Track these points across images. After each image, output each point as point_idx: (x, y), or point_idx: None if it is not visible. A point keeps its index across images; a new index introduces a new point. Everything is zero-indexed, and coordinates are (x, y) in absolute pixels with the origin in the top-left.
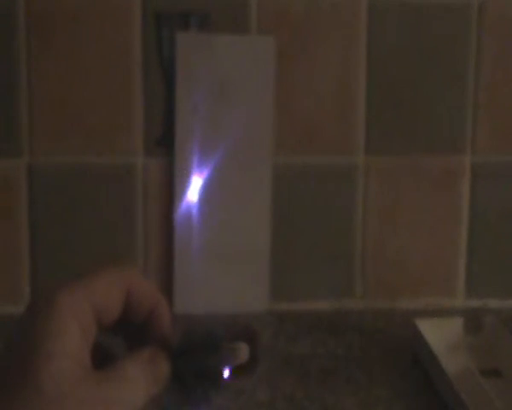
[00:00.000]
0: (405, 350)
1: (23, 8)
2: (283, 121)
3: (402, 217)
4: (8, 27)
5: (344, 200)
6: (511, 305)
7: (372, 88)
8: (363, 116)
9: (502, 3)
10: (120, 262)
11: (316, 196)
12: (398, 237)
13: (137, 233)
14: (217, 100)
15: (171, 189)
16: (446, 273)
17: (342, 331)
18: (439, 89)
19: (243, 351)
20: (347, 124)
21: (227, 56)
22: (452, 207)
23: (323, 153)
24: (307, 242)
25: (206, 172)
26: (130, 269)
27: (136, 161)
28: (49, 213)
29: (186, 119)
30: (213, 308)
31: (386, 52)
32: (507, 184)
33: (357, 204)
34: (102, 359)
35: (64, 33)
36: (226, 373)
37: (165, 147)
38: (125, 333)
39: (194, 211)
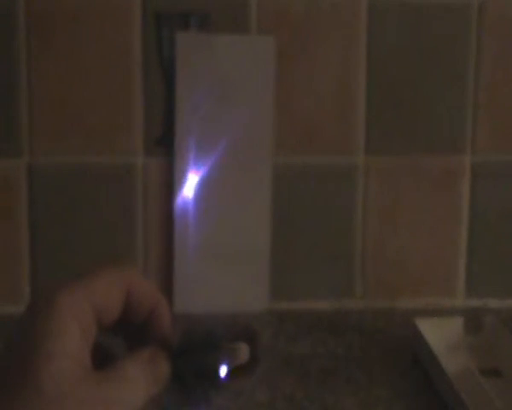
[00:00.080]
0: (405, 350)
1: (23, 8)
2: (283, 121)
3: (402, 217)
4: (8, 27)
5: (344, 200)
6: (511, 305)
7: (372, 88)
8: (363, 116)
9: (502, 3)
10: (120, 262)
11: (316, 196)
12: (398, 237)
13: (137, 233)
14: (217, 100)
15: (171, 189)
16: (446, 273)
17: (342, 331)
18: (439, 89)
19: (243, 351)
20: (347, 124)
21: (227, 56)
22: (452, 207)
23: (323, 153)
24: (307, 242)
25: (205, 172)
26: (130, 269)
27: (136, 160)
28: (49, 213)
29: (186, 119)
30: (213, 308)
31: (386, 52)
32: (507, 184)
33: (357, 204)
34: (102, 359)
35: (64, 33)
36: (226, 373)
37: (165, 147)
38: (125, 333)
39: (194, 211)
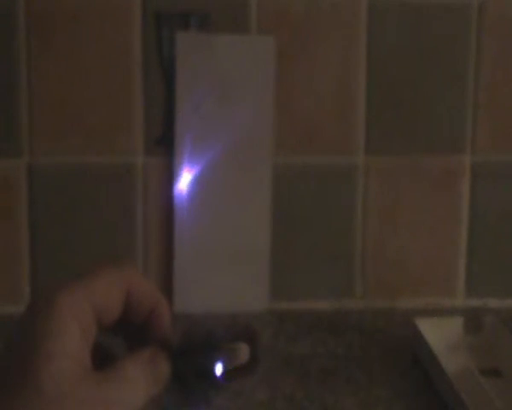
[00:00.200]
0: (405, 350)
1: (23, 8)
2: (283, 121)
3: (402, 217)
4: (8, 27)
5: (344, 200)
6: (511, 305)
7: (372, 88)
8: (363, 116)
9: (502, 3)
10: (120, 262)
11: (316, 196)
12: (398, 237)
13: (137, 233)
14: (217, 100)
15: (171, 189)
16: (446, 273)
17: (342, 331)
18: (439, 89)
19: (243, 351)
20: (347, 124)
21: (227, 56)
22: (452, 207)
23: (323, 153)
24: (307, 242)
25: (205, 172)
26: (130, 269)
27: (136, 160)
28: (49, 213)
29: (186, 119)
30: (213, 308)
31: (386, 52)
32: (507, 184)
33: (357, 204)
34: (102, 359)
35: (64, 33)
36: (226, 373)
37: (165, 147)
38: (125, 333)
39: (194, 211)
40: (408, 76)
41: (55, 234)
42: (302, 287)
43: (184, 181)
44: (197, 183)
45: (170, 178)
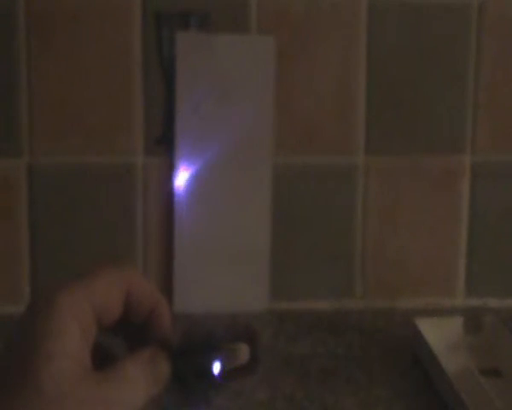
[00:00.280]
0: (405, 350)
1: (23, 8)
2: (283, 121)
3: (402, 217)
4: (8, 27)
5: (344, 200)
6: (511, 304)
7: (372, 88)
8: (363, 116)
9: (502, 3)
10: (120, 262)
11: (316, 196)
12: (398, 237)
13: (137, 233)
14: (217, 100)
15: (171, 188)
16: (446, 273)
17: (342, 331)
18: (439, 89)
19: (243, 351)
20: (347, 124)
21: (227, 56)
22: (452, 207)
23: (323, 153)
24: (307, 242)
25: (205, 172)
26: (130, 269)
27: (136, 160)
28: (49, 213)
29: (186, 119)
30: (213, 308)
31: (386, 52)
32: (507, 184)
33: (357, 204)
34: (102, 359)
35: (64, 33)
36: (226, 373)
37: (165, 147)
38: (125, 333)
39: (194, 211)
40: (408, 76)
41: (55, 234)
42: (302, 287)
43: (184, 181)
44: (197, 183)
45: (170, 178)
